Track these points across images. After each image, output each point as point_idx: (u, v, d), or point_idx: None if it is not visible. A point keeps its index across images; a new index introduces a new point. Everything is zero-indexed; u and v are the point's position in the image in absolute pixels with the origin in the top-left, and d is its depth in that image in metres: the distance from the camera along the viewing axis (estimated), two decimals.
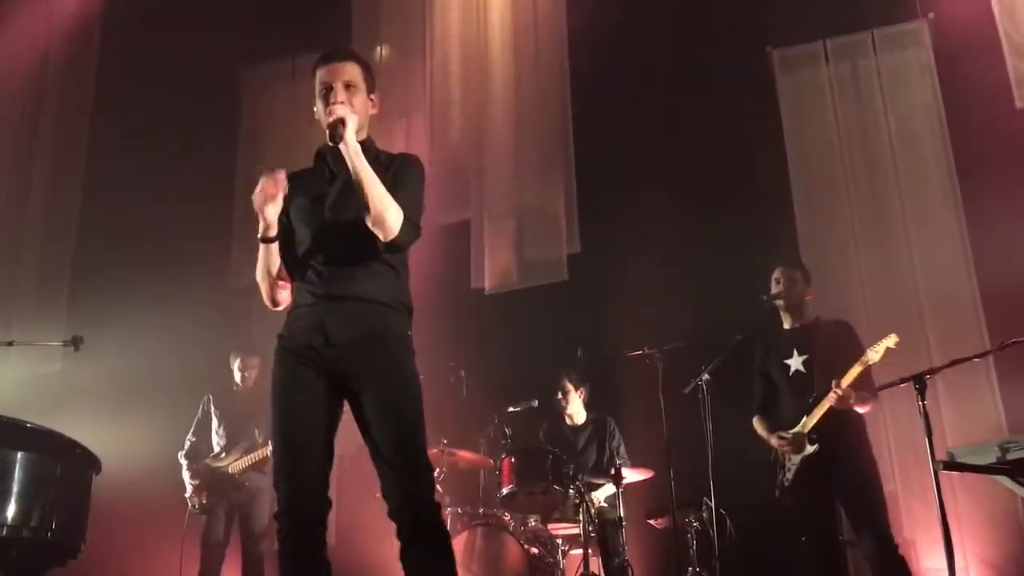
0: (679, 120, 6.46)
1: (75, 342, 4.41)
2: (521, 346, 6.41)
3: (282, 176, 2.78)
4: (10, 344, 5.05)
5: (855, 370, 4.19)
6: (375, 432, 2.68)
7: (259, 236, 2.81)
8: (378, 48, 7.30)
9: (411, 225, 2.77)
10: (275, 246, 2.83)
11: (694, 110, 6.41)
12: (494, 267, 6.71)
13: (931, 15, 6.25)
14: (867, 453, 4.34)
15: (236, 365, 5.80)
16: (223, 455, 5.65)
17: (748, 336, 4.58)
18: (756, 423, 4.61)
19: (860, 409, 4.31)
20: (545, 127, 6.79)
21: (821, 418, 4.26)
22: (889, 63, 6.33)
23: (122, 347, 6.20)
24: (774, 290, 4.59)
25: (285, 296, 2.93)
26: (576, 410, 5.76)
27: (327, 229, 2.82)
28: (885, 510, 4.22)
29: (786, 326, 4.61)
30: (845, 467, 4.25)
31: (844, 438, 4.27)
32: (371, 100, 2.97)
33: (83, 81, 7.53)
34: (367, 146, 2.87)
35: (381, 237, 2.72)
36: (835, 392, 4.18)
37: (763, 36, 6.57)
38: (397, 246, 2.76)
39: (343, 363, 2.72)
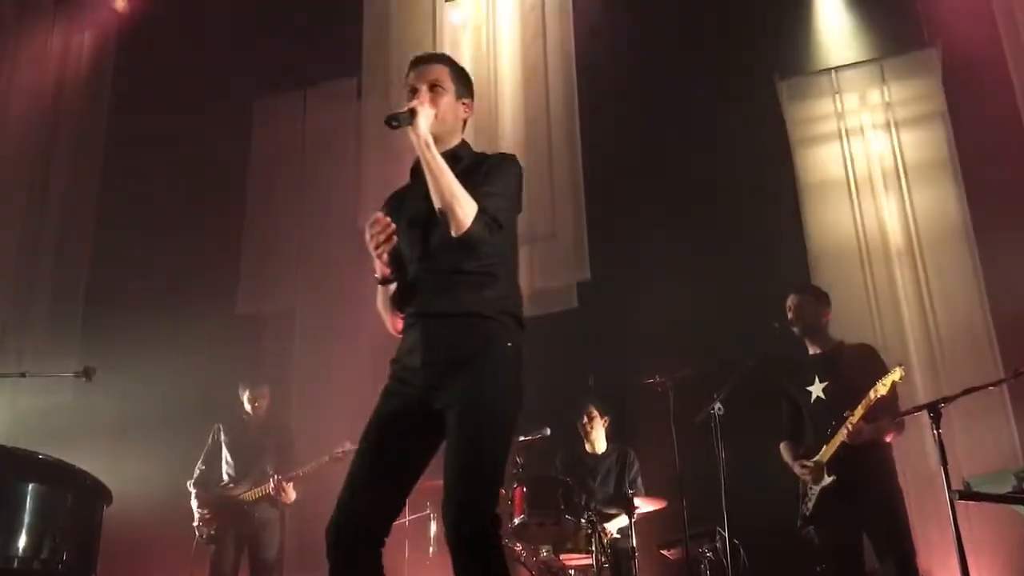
0: (689, 149, 6.47)
1: (87, 373, 4.41)
2: (531, 374, 6.36)
3: (383, 219, 2.66)
4: (22, 375, 5.07)
5: (861, 408, 4.14)
6: (447, 452, 2.55)
7: (377, 279, 2.79)
8: (388, 79, 7.35)
9: (488, 218, 2.61)
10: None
11: (703, 139, 6.42)
12: None
13: (939, 43, 6.27)
14: (892, 482, 4.28)
15: (245, 397, 5.80)
16: (232, 485, 5.64)
17: (761, 362, 4.55)
18: (782, 449, 4.56)
19: (887, 438, 4.28)
20: (554, 155, 6.81)
21: (838, 448, 4.23)
22: (898, 92, 6.34)
23: (132, 377, 6.20)
24: (788, 317, 4.57)
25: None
26: (598, 438, 5.74)
27: (425, 245, 2.71)
28: (911, 540, 4.17)
29: (810, 352, 4.58)
30: (869, 496, 4.20)
31: (866, 467, 4.21)
32: (463, 104, 2.85)
33: (96, 111, 7.60)
34: (459, 151, 2.80)
35: (453, 232, 2.58)
36: (846, 428, 4.15)
37: (771, 65, 6.60)
38: (471, 240, 2.59)
39: (433, 381, 2.60)
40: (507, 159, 2.83)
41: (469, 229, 2.57)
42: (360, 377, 6.88)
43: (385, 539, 2.60)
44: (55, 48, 7.49)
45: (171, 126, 7.30)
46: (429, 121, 2.66)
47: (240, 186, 7.56)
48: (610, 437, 5.78)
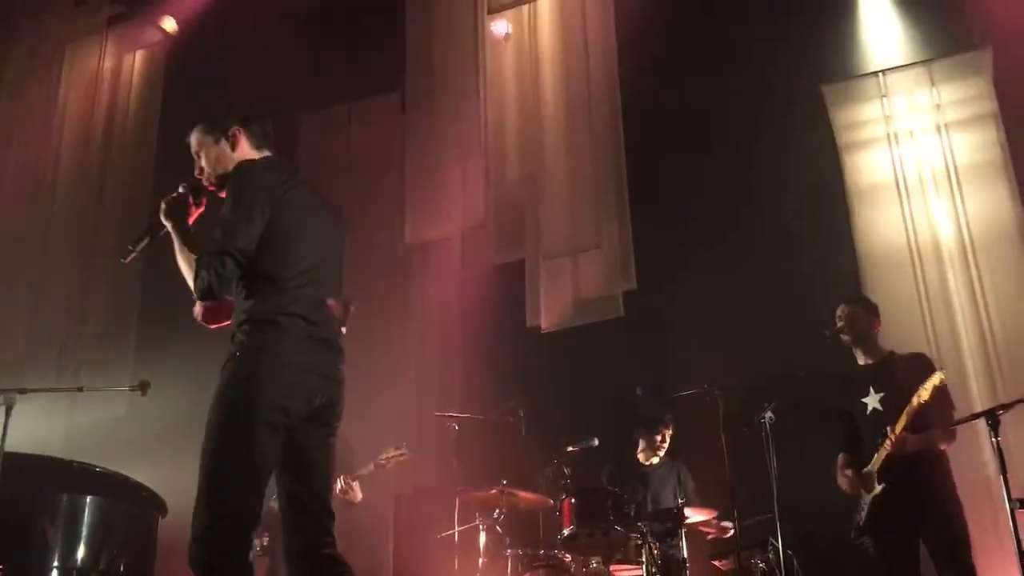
0: (734, 156, 6.43)
1: (142, 387, 4.50)
2: (578, 384, 6.38)
3: None
4: (80, 389, 5.18)
5: (905, 417, 4.09)
6: None
7: None
8: (432, 92, 7.40)
9: (205, 267, 2.73)
10: None
11: (749, 145, 6.38)
12: (550, 305, 6.71)
13: (990, 44, 6.15)
14: (949, 490, 4.20)
15: None
16: None
17: (812, 373, 4.50)
18: (840, 460, 4.50)
19: (942, 445, 4.21)
20: (599, 164, 6.80)
21: (885, 459, 4.17)
22: (949, 94, 6.24)
23: (186, 390, 6.28)
24: (837, 326, 4.52)
25: None
26: (662, 452, 5.74)
27: None
28: (970, 552, 4.08)
29: (860, 363, 4.52)
30: (925, 505, 4.12)
31: (920, 476, 4.13)
32: (228, 139, 3.02)
33: (147, 131, 7.74)
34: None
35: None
36: (889, 439, 4.10)
37: (816, 69, 6.53)
38: (210, 297, 2.77)
39: None
40: (231, 177, 2.90)
41: (196, 292, 2.73)
42: (402, 388, 6.94)
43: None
44: (106, 70, 7.66)
45: None
46: (182, 209, 2.94)
47: None
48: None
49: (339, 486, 5.56)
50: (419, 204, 7.13)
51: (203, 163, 2.97)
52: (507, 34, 7.31)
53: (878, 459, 4.20)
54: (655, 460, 5.74)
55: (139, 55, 7.75)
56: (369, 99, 7.79)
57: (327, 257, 2.91)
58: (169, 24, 7.50)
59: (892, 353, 4.51)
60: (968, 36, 6.30)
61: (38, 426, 5.07)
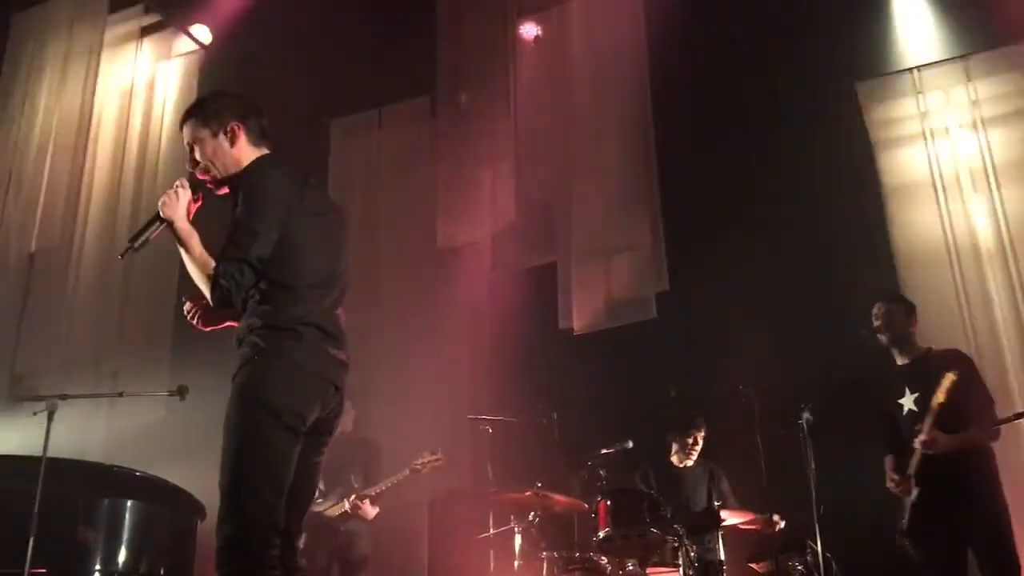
0: (766, 154, 6.38)
1: (180, 391, 4.54)
2: (611, 386, 6.36)
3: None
4: (120, 395, 5.25)
5: (929, 418, 4.05)
6: None
7: None
8: (462, 95, 7.42)
9: (223, 274, 2.72)
10: None
11: (782, 143, 6.32)
12: (582, 307, 6.69)
13: None
14: (993, 490, 4.14)
15: None
16: (320, 500, 5.73)
17: (850, 373, 4.46)
18: (887, 463, 4.45)
19: (985, 443, 4.15)
20: (630, 165, 6.78)
21: (921, 462, 4.11)
22: (985, 90, 6.15)
23: (223, 394, 6.33)
24: (874, 326, 4.48)
25: None
26: (695, 454, 5.71)
27: None
28: (1014, 550, 4.02)
29: (898, 362, 4.47)
30: (968, 506, 4.07)
31: (961, 477, 4.09)
32: (226, 133, 2.94)
33: (181, 140, 7.78)
34: (236, 181, 2.92)
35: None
36: (920, 440, 4.05)
37: (850, 66, 6.46)
38: (225, 302, 2.75)
39: None
40: (245, 179, 2.85)
41: (212, 299, 2.71)
42: (435, 392, 6.95)
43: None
44: (140, 79, 7.73)
45: None
46: (182, 204, 2.84)
47: None
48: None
49: (348, 505, 5.59)
50: (450, 208, 7.15)
51: (198, 156, 2.92)
52: (537, 36, 7.31)
53: (915, 461, 4.15)
54: (689, 462, 5.71)
55: (173, 64, 7.82)
56: (399, 103, 7.82)
57: (337, 266, 2.92)
58: (202, 33, 7.57)
59: (929, 350, 4.46)
60: (1004, 31, 6.21)
61: (77, 431, 5.13)
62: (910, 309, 4.53)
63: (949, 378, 4.05)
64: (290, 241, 2.74)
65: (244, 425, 2.62)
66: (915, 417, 4.27)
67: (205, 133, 2.92)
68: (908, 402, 4.33)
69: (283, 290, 2.72)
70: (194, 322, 2.97)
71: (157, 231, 2.86)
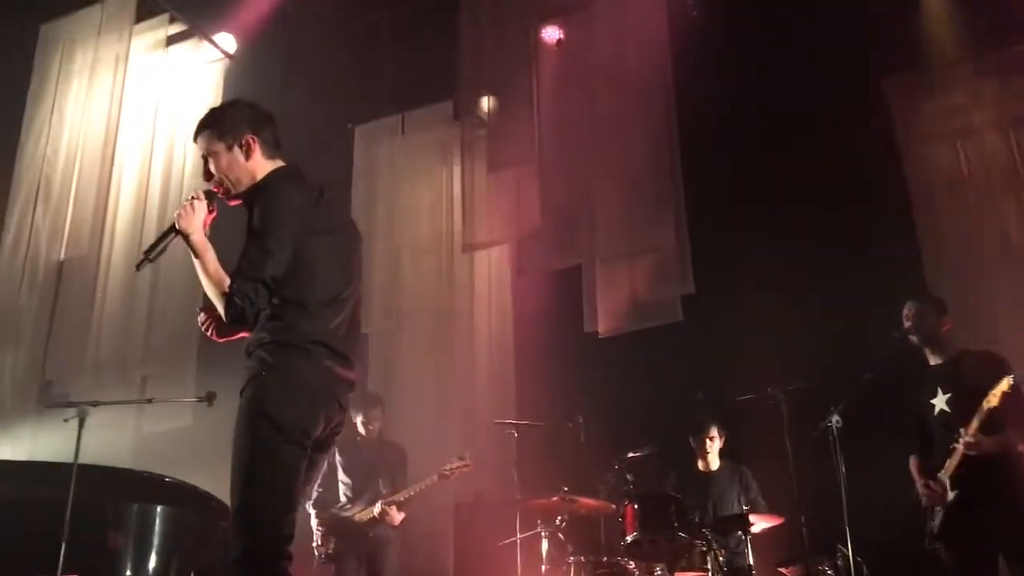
0: (792, 153, 6.33)
1: (208, 397, 4.57)
2: (637, 389, 6.34)
3: None
4: (149, 401, 5.29)
5: (976, 420, 3.98)
6: None
7: None
8: (485, 100, 7.42)
9: (236, 293, 2.71)
10: None
11: (808, 143, 6.27)
12: (607, 310, 6.66)
13: None
14: None
15: (359, 420, 5.88)
16: (349, 506, 5.74)
17: (881, 374, 4.40)
18: (912, 465, 4.39)
19: (1021, 447, 4.08)
20: (654, 166, 6.74)
21: (959, 464, 4.05)
22: (1016, 86, 6.07)
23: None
24: (905, 326, 4.42)
25: None
26: (713, 456, 5.68)
27: None
28: None
29: (931, 363, 4.41)
30: (1001, 511, 3.99)
31: (994, 481, 4.00)
32: (242, 146, 2.93)
33: None
34: (249, 195, 2.92)
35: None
36: (961, 441, 3.99)
37: (877, 63, 6.40)
38: (241, 322, 2.75)
39: None
40: (260, 193, 2.84)
41: (227, 317, 2.70)
42: (461, 397, 6.95)
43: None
44: (165, 88, 7.79)
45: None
46: (198, 217, 2.83)
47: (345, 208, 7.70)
48: (721, 453, 5.69)
49: (377, 510, 5.60)
50: (474, 212, 7.15)
51: (212, 168, 2.92)
52: (559, 40, 7.30)
53: (951, 464, 4.09)
54: (713, 466, 5.68)
55: (198, 73, 7.88)
56: (422, 108, 7.83)
57: (349, 284, 2.92)
58: (227, 42, 7.62)
59: (964, 352, 4.38)
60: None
61: (106, 438, 5.17)
62: (941, 309, 4.46)
63: (1007, 382, 3.98)
64: (303, 258, 2.75)
65: (251, 441, 2.63)
66: (947, 418, 4.21)
67: (220, 146, 2.92)
68: (940, 402, 4.27)
69: (294, 306, 2.73)
70: (208, 333, 2.98)
71: (169, 243, 2.87)
